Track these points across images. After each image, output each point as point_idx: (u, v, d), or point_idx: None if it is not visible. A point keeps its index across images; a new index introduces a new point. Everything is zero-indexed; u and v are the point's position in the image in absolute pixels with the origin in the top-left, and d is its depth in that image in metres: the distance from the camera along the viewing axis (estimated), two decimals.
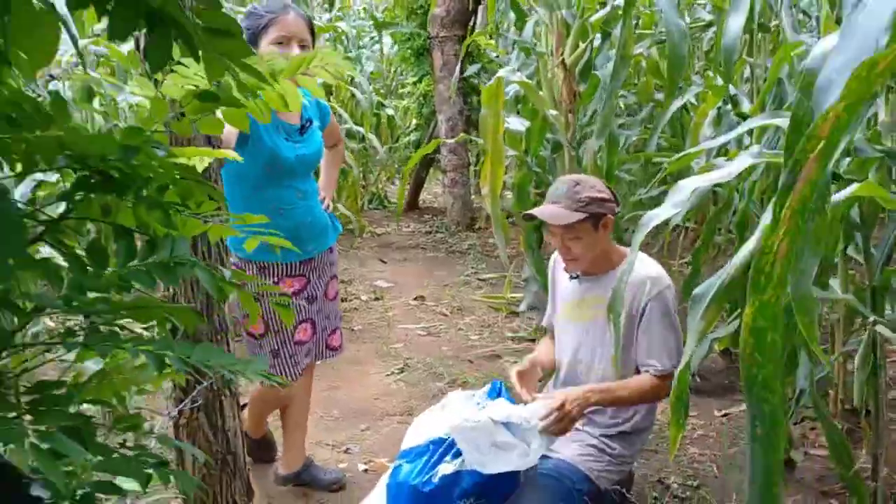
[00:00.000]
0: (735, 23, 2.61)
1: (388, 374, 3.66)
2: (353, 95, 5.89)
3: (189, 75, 0.97)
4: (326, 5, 7.10)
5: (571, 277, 2.32)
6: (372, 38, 7.65)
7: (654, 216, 1.88)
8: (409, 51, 6.76)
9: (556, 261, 2.43)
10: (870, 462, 2.41)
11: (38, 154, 0.71)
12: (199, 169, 1.00)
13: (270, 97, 1.02)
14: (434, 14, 6.21)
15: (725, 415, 3.13)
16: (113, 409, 0.87)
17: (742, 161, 1.93)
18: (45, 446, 0.63)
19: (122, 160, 0.79)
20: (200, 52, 0.71)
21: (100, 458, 0.78)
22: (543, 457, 2.08)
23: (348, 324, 4.32)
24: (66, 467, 0.75)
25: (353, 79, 5.80)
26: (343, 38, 6.24)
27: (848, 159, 1.97)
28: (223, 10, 0.69)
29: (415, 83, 7.02)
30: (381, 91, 7.90)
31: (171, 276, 0.82)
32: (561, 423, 2.01)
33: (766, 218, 1.08)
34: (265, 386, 2.47)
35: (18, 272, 0.72)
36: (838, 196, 1.34)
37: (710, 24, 3.77)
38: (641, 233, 1.88)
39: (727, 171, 1.93)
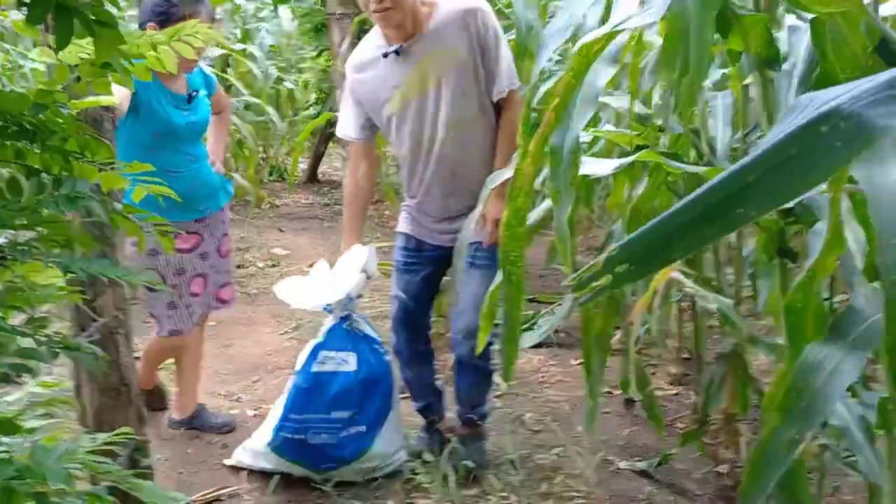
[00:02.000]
0: None
1: (281, 333, 3.90)
2: (250, 69, 6.00)
3: (83, 45, 1.20)
4: None
5: (396, 53, 2.30)
6: (271, 11, 7.72)
7: (498, 177, 2.22)
8: (307, 26, 6.91)
9: (356, 75, 2.45)
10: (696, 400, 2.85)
11: None
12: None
13: (152, 62, 1.26)
14: None
15: (580, 363, 3.53)
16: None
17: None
18: None
19: (34, 115, 1.03)
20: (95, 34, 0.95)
21: (18, 345, 1.02)
22: (476, 246, 2.38)
23: (244, 288, 4.51)
24: None
25: (248, 52, 5.91)
26: (240, 11, 6.32)
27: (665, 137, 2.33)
28: (105, 6, 0.94)
29: (314, 58, 7.16)
30: (282, 65, 7.98)
31: (73, 205, 1.06)
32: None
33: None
34: (160, 336, 2.68)
35: None
36: (627, 159, 1.68)
37: None
38: (486, 190, 2.21)
39: None
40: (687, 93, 1.34)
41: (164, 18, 2.41)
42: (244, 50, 5.94)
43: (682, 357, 3.41)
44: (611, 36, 1.08)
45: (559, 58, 3.91)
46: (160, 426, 2.88)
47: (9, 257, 0.99)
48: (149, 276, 1.16)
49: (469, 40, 2.29)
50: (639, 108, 2.30)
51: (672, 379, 3.31)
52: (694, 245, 0.56)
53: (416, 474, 2.44)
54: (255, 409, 3.07)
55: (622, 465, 2.67)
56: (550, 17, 4.10)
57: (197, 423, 2.86)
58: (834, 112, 0.52)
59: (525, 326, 3.93)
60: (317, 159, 7.71)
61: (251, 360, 3.56)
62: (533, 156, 1.18)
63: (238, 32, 6.37)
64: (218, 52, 5.29)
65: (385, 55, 2.34)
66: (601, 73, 1.19)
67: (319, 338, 2.46)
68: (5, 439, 1.12)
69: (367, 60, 2.43)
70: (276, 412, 2.49)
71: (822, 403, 0.98)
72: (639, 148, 2.21)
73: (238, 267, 5.00)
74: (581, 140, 2.33)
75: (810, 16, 1.41)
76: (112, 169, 1.29)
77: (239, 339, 3.80)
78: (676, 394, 3.22)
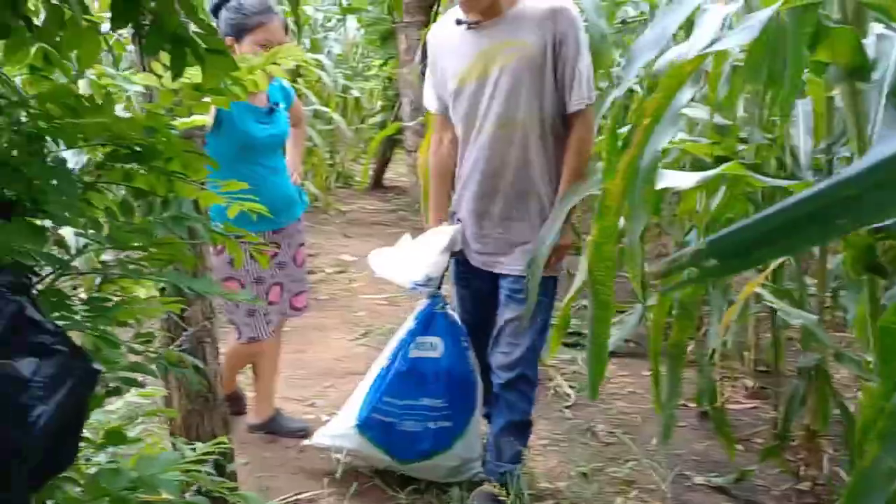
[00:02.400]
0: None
1: (351, 339, 3.96)
2: (319, 78, 6.11)
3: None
4: None
5: (469, 26, 2.23)
6: (339, 20, 7.85)
7: (579, 189, 2.22)
8: (374, 34, 6.99)
9: (433, 40, 2.40)
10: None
11: (89, 134, 0.99)
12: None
13: (250, 84, 1.31)
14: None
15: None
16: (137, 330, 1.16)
17: None
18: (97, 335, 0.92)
19: (145, 138, 1.08)
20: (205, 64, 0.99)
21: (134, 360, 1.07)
22: (514, 279, 2.35)
23: (314, 294, 4.57)
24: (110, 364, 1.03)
25: (318, 61, 6.03)
26: (309, 21, 6.46)
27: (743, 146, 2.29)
28: (217, 35, 0.98)
29: (380, 66, 7.25)
30: (348, 73, 8.11)
31: (180, 226, 1.10)
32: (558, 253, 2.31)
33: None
34: (239, 343, 2.75)
35: (72, 219, 1.00)
36: (711, 172, 1.65)
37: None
38: (567, 200, 2.21)
39: None
40: (782, 106, 1.32)
41: (240, 30, 2.49)
42: (315, 59, 6.05)
43: (758, 370, 3.33)
44: (703, 57, 1.07)
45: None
46: (238, 431, 2.95)
47: (114, 275, 1.04)
48: (247, 294, 1.19)
49: (545, 40, 2.16)
50: (716, 118, 2.26)
51: (749, 393, 3.24)
52: (786, 250, 0.55)
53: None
54: (328, 415, 3.12)
55: (698, 480, 2.63)
56: (618, 23, 4.07)
57: (274, 427, 2.93)
58: None
59: None
60: (382, 165, 7.79)
61: (323, 366, 3.62)
62: (623, 174, 1.18)
63: (307, 42, 6.50)
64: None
65: (458, 22, 2.25)
66: (685, 92, 1.18)
67: (412, 321, 2.47)
68: (111, 449, 1.17)
69: (444, 27, 2.36)
70: (360, 393, 2.52)
71: None
72: (718, 159, 2.18)
73: (307, 273, 5.10)
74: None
75: None
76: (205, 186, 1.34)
77: (311, 344, 3.87)
78: (754, 408, 3.15)
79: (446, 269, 2.48)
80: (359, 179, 7.99)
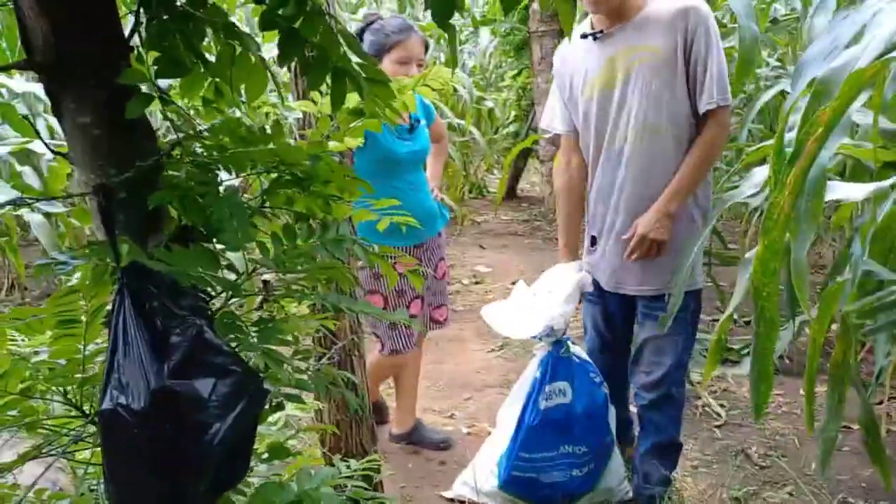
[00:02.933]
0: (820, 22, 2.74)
1: (488, 351, 3.97)
2: (455, 90, 6.20)
3: None
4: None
5: (594, 37, 2.19)
6: (471, 32, 7.94)
7: (731, 197, 2.11)
8: (508, 45, 7.02)
9: (558, 58, 2.37)
10: None
11: (259, 162, 1.04)
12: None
13: (402, 106, 1.33)
14: (533, 9, 6.44)
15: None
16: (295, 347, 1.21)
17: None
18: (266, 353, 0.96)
19: (309, 165, 1.12)
20: (364, 92, 1.02)
21: (296, 376, 1.11)
22: (650, 297, 2.28)
23: (452, 305, 4.64)
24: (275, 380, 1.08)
25: (455, 74, 6.12)
26: (443, 36, 6.57)
27: None
28: (378, 66, 1.00)
29: (514, 76, 7.26)
30: (481, 84, 8.18)
31: (339, 248, 1.13)
32: (642, 246, 2.17)
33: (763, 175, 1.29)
34: (382, 355, 2.82)
35: (243, 244, 1.05)
36: (885, 183, 1.52)
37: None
38: (718, 209, 2.11)
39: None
40: None
41: (380, 49, 2.56)
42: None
43: None
44: (887, 62, 0.99)
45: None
46: (381, 440, 3.03)
47: (277, 295, 1.09)
48: (400, 315, 1.21)
49: (676, 40, 2.07)
50: (883, 122, 2.09)
51: None
52: None
53: None
54: (468, 427, 3.14)
55: None
56: (771, 21, 3.86)
57: (415, 438, 2.98)
58: None
59: (745, 351, 3.71)
60: (515, 176, 7.80)
61: (461, 378, 3.65)
62: (792, 187, 1.10)
63: (441, 56, 6.61)
64: None
65: (584, 36, 2.20)
66: (858, 100, 1.09)
67: (536, 370, 2.39)
68: (276, 462, 1.22)
69: (569, 46, 2.26)
70: (494, 444, 2.48)
71: None
72: (887, 164, 2.02)
73: None
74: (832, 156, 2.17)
75: None
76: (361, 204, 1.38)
77: (448, 356, 3.92)
78: None
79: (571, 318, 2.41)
80: (493, 191, 8.05)
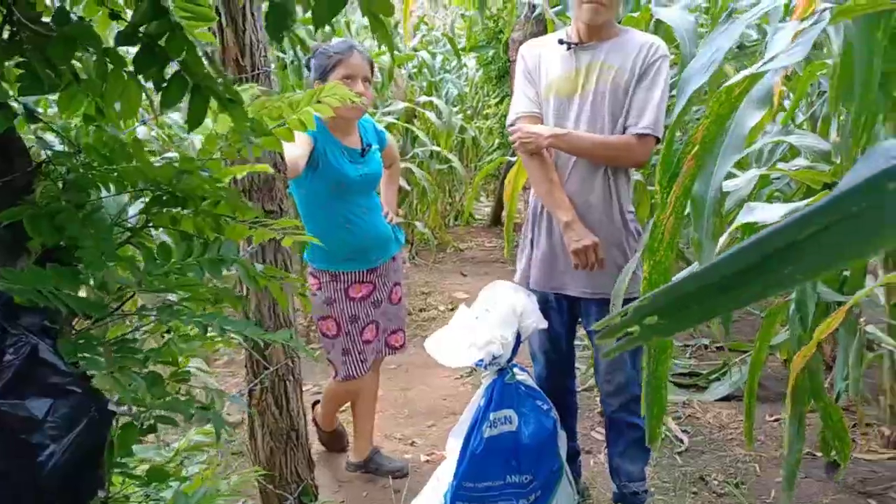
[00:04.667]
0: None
1: (456, 378, 3.93)
2: (440, 117, 6.24)
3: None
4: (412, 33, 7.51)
5: (568, 47, 2.30)
6: (457, 63, 8.01)
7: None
8: (491, 73, 7.07)
9: (530, 51, 2.41)
10: None
11: (128, 180, 1.03)
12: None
13: (294, 124, 1.32)
14: (513, 38, 6.48)
15: (776, 419, 3.22)
16: (173, 369, 1.19)
17: (751, 173, 2.11)
18: (118, 377, 0.94)
19: (183, 183, 1.11)
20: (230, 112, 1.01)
21: (165, 398, 1.09)
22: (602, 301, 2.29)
23: (425, 332, 4.61)
24: (141, 403, 1.06)
25: (433, 104, 6.15)
26: (426, 66, 6.61)
27: None
28: (234, 85, 0.99)
29: (497, 104, 7.30)
30: (468, 112, 8.22)
31: (216, 269, 1.12)
32: (588, 261, 2.23)
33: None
34: (336, 381, 2.79)
35: (109, 264, 1.03)
36: (800, 203, 1.51)
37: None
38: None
39: (739, 181, 2.12)
40: (855, 126, 1.18)
41: (323, 71, 2.57)
42: (430, 102, 6.17)
43: (892, 413, 3.00)
44: (755, 78, 0.98)
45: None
46: (338, 468, 2.99)
47: (152, 316, 1.07)
48: (286, 336, 1.19)
49: (634, 68, 2.22)
50: (821, 143, 2.09)
51: (886, 441, 2.92)
52: (734, 303, 0.47)
53: None
54: (428, 455, 3.10)
55: None
56: (737, 48, 3.88)
57: (372, 466, 2.94)
58: None
59: (713, 377, 3.67)
60: (500, 203, 7.80)
61: (427, 405, 3.61)
62: (674, 207, 1.09)
63: (424, 86, 6.64)
64: (402, 105, 5.53)
65: (560, 42, 2.31)
66: (749, 117, 1.07)
67: (481, 398, 2.35)
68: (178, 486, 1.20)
69: (543, 43, 2.41)
70: (444, 473, 2.43)
71: None
72: (826, 186, 2.01)
73: (420, 311, 5.14)
74: (753, 181, 2.16)
75: None
76: (261, 225, 1.37)
77: (416, 383, 3.88)
78: (891, 458, 2.83)
79: (519, 343, 2.37)
80: (479, 217, 8.06)
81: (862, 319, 2.60)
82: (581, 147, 2.24)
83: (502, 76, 7.06)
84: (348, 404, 3.02)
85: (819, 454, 2.82)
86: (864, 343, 2.55)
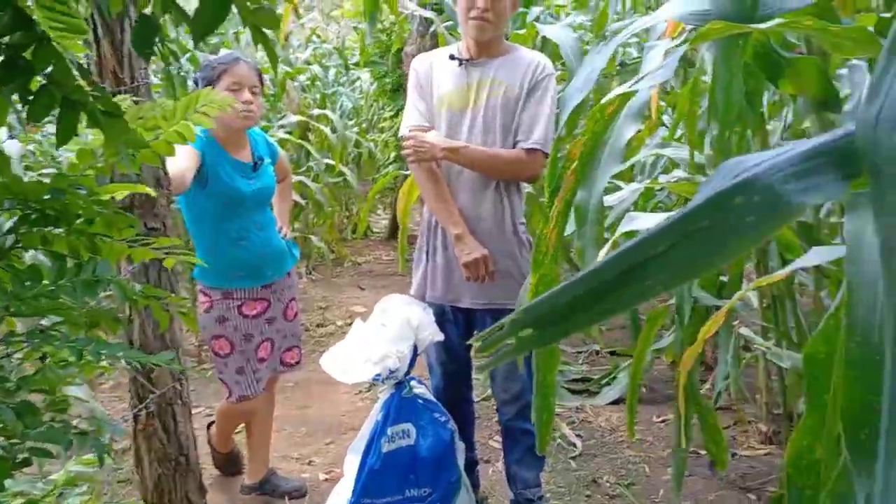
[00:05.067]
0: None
1: (356, 393, 3.89)
2: (333, 132, 6.19)
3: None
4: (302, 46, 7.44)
5: (460, 63, 2.35)
6: (347, 78, 7.99)
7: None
8: (385, 86, 7.09)
9: (421, 65, 2.44)
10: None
11: None
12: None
13: (171, 136, 1.28)
14: (406, 52, 6.53)
15: (663, 421, 3.36)
16: (49, 397, 1.13)
17: (634, 186, 2.20)
18: None
19: (55, 200, 1.05)
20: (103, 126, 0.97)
21: (39, 429, 1.03)
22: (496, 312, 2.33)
23: (323, 347, 4.54)
24: (12, 434, 1.00)
25: (327, 117, 6.11)
26: (318, 79, 6.56)
27: None
28: (113, 98, 0.96)
29: (391, 117, 7.32)
30: (363, 125, 8.21)
31: (91, 290, 1.07)
32: (479, 273, 2.28)
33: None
34: (230, 402, 2.71)
35: None
36: (674, 213, 1.60)
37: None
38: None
39: (623, 193, 2.21)
40: (725, 139, 1.26)
41: (208, 83, 2.52)
42: (324, 115, 6.12)
43: (773, 413, 3.19)
44: (626, 96, 1.03)
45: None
46: (234, 492, 2.90)
47: (28, 343, 1.01)
48: (167, 358, 1.15)
49: (523, 85, 2.29)
50: (697, 156, 2.21)
51: (763, 437, 3.10)
52: (600, 315, 0.50)
53: None
54: (326, 473, 3.06)
55: None
56: (617, 66, 4.04)
57: (268, 488, 2.86)
58: (749, 183, 0.46)
59: (605, 381, 3.80)
60: (396, 216, 7.81)
61: (326, 422, 3.56)
62: (556, 220, 1.13)
63: (317, 98, 6.59)
64: (295, 118, 5.47)
65: (452, 58, 2.36)
66: (625, 131, 1.13)
67: (379, 413, 2.34)
68: None
69: (434, 57, 2.46)
70: (343, 490, 2.40)
71: None
72: None
73: (318, 326, 5.07)
74: (636, 193, 2.26)
75: None
76: (143, 243, 1.32)
77: (315, 400, 3.82)
78: (767, 454, 3.01)
79: (416, 356, 2.37)
80: (378, 231, 8.04)
81: (736, 322, 2.75)
82: (474, 160, 2.28)
83: (396, 89, 7.10)
84: (243, 425, 2.94)
85: (703, 452, 2.95)
86: (741, 344, 2.70)
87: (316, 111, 6.06)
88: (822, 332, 0.92)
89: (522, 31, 3.10)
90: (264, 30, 0.96)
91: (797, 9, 1.08)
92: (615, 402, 3.55)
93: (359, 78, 8.17)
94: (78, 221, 1.14)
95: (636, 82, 1.04)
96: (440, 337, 2.38)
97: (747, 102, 1.44)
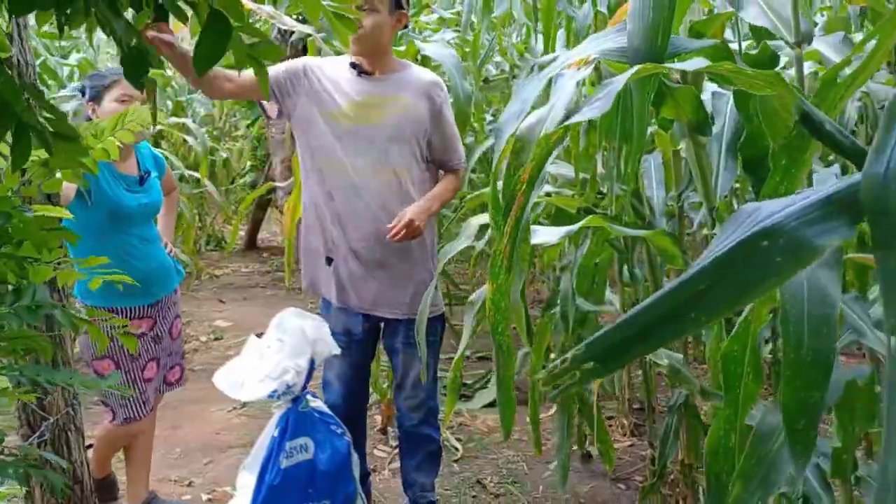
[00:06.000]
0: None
1: (229, 410, 3.80)
2: (185, 140, 5.98)
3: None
4: None
5: (360, 73, 2.39)
6: None
7: (451, 249, 2.27)
8: None
9: (316, 62, 2.48)
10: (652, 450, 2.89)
11: None
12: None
13: (99, 154, 1.27)
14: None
15: None
16: None
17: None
18: None
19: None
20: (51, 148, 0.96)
21: None
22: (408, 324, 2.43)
23: (189, 365, 4.38)
24: None
25: (183, 124, 5.90)
26: (172, 84, 6.31)
27: None
28: (68, 120, 0.95)
29: (248, 126, 7.18)
30: (215, 134, 7.97)
31: (35, 316, 1.04)
32: (407, 230, 2.31)
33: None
34: (114, 425, 2.58)
35: None
36: (574, 226, 1.74)
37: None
38: (441, 262, 2.25)
39: None
40: (629, 161, 1.41)
41: (97, 92, 2.44)
42: (179, 123, 5.90)
43: (634, 407, 3.46)
44: (567, 128, 1.14)
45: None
46: None
47: None
48: (115, 379, 1.13)
49: (427, 104, 2.40)
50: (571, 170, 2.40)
51: (626, 430, 3.36)
52: (652, 346, 0.60)
53: None
54: (209, 493, 2.98)
55: None
56: (484, 81, 4.23)
57: None
58: (773, 229, 0.57)
59: (478, 386, 3.95)
60: (255, 226, 7.66)
61: (201, 441, 3.46)
62: (509, 235, 1.22)
63: (170, 105, 6.35)
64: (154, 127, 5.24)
65: (352, 66, 2.40)
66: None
67: (275, 428, 2.31)
68: None
69: (335, 61, 2.50)
70: None
71: (780, 469, 1.02)
72: (581, 210, 2.29)
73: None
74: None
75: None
76: (65, 264, 1.28)
77: (185, 419, 3.70)
78: (631, 445, 3.26)
79: (313, 370, 2.37)
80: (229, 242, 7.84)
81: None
82: (443, 202, 2.47)
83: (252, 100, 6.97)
84: None
85: (575, 447, 3.16)
86: None
87: (172, 119, 5.84)
88: (736, 333, 1.07)
89: (402, 48, 3.18)
90: None
91: (698, 49, 1.25)
92: (490, 405, 3.71)
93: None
94: (7, 246, 1.10)
95: (576, 115, 1.15)
96: (336, 350, 2.41)
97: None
